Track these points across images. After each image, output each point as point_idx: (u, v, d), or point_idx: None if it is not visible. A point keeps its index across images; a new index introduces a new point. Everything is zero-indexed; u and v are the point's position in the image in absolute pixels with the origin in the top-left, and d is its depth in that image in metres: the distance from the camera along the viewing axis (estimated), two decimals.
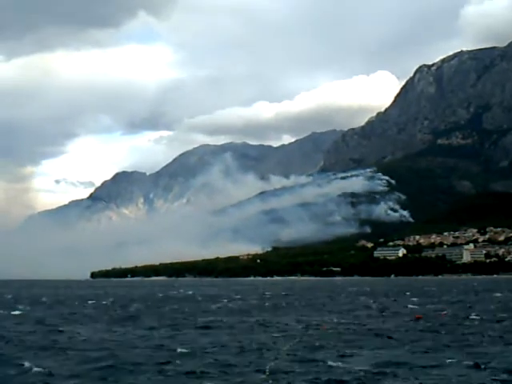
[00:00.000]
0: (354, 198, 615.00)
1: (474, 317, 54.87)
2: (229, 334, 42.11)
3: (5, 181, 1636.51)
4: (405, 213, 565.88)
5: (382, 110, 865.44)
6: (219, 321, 53.63)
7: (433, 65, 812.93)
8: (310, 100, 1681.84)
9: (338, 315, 58.23)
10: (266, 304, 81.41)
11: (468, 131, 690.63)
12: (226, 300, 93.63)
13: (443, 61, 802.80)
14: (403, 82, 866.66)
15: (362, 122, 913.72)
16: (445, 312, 60.65)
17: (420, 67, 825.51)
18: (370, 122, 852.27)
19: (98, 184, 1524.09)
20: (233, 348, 34.74)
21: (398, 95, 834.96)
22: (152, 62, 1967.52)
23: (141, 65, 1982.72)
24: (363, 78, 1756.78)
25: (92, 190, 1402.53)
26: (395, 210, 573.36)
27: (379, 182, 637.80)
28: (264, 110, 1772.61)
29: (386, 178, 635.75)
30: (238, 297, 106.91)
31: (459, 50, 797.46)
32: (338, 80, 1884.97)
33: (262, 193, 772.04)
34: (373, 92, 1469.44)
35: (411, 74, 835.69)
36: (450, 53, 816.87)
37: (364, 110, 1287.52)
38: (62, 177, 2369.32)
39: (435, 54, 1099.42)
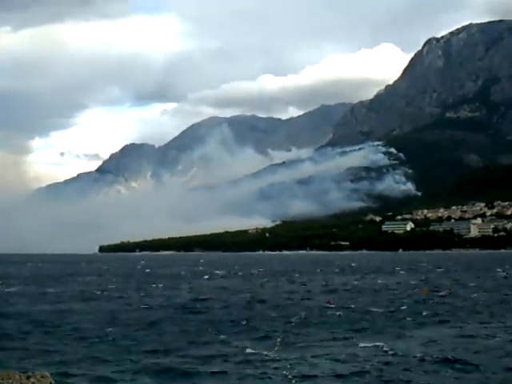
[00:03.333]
0: (361, 172, 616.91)
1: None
2: None
3: (12, 153, 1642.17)
4: (412, 186, 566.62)
5: (389, 82, 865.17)
6: None
7: (441, 38, 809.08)
8: (315, 73, 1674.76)
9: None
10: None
11: (476, 104, 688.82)
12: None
13: (452, 34, 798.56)
14: (408, 55, 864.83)
15: (369, 94, 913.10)
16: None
17: (429, 40, 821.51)
18: (378, 95, 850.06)
19: (104, 156, 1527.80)
20: None
21: (407, 68, 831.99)
22: (160, 34, 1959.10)
23: (149, 36, 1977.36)
24: (367, 52, 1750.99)
25: (97, 162, 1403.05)
26: (403, 184, 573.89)
27: (387, 155, 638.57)
28: (270, 84, 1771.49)
29: (394, 151, 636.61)
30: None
31: (468, 23, 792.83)
32: (343, 54, 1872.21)
33: (268, 166, 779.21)
34: (378, 65, 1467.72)
35: (417, 47, 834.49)
36: (458, 26, 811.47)
37: (371, 83, 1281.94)
38: (67, 149, 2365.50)
39: (440, 27, 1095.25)
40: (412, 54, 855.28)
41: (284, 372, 24.82)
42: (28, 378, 7.23)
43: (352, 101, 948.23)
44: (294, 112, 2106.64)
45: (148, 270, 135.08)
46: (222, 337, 34.31)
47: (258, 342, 32.05)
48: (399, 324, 39.14)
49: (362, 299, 56.29)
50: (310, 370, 25.81)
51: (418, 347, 30.41)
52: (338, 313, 45.06)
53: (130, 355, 29.19)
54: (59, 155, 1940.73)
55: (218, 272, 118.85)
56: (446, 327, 38.04)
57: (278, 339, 31.25)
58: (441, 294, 61.66)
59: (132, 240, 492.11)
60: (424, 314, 44.59)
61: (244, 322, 40.41)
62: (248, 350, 29.82)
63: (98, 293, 67.90)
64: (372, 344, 30.93)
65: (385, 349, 29.70)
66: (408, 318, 41.73)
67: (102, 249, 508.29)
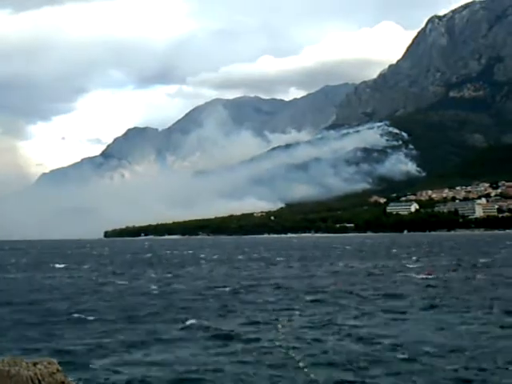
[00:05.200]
0: (365, 153, 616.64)
1: None
2: None
3: (15, 138, 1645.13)
4: (416, 167, 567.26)
5: (391, 60, 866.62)
6: None
7: (444, 16, 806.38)
8: (317, 54, 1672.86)
9: None
10: None
11: (480, 83, 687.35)
12: None
13: (454, 11, 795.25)
14: (409, 32, 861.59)
15: (372, 74, 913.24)
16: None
17: (431, 18, 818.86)
18: (381, 75, 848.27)
19: (106, 141, 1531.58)
20: None
21: (409, 47, 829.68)
22: (162, 14, 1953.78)
23: (151, 17, 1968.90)
24: (368, 30, 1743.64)
25: (99, 146, 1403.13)
26: (407, 165, 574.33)
27: (391, 136, 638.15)
28: (272, 65, 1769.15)
29: (398, 131, 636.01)
30: None
31: (471, 1, 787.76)
32: (343, 33, 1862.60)
33: (270, 149, 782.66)
34: (380, 43, 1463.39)
35: (417, 24, 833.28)
36: (461, 3, 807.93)
37: (373, 63, 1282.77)
38: (69, 134, 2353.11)
39: (440, 4, 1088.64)
40: (413, 32, 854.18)
41: None
42: (35, 364, 7.47)
43: (355, 81, 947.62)
44: (295, 93, 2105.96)
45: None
46: None
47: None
48: None
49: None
50: None
51: None
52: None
53: None
54: (61, 140, 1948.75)
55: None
56: None
57: None
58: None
59: (137, 225, 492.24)
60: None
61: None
62: None
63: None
64: None
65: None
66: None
67: (107, 234, 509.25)
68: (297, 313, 35.45)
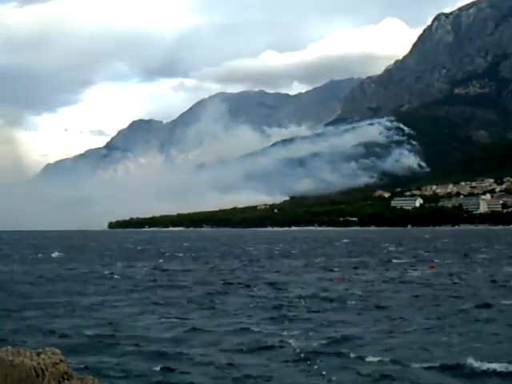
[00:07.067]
0: (370, 148, 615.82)
1: None
2: None
3: (20, 129, 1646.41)
4: (421, 162, 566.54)
5: (396, 57, 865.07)
6: None
7: (451, 13, 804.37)
8: (321, 49, 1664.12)
9: None
10: None
11: (485, 80, 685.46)
12: None
13: (461, 9, 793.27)
14: (415, 29, 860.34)
15: (376, 69, 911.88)
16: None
17: (438, 15, 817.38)
18: (387, 71, 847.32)
19: (108, 133, 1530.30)
20: None
21: (415, 44, 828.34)
22: (167, 8, 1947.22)
23: (156, 10, 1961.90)
24: (373, 27, 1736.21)
25: (103, 138, 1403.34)
26: (412, 160, 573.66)
27: (396, 131, 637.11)
28: (275, 60, 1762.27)
29: (403, 126, 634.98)
30: None
31: None
32: (348, 29, 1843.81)
33: (275, 143, 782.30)
34: (385, 39, 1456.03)
35: (422, 21, 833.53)
36: (468, 1, 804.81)
37: (379, 58, 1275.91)
38: (74, 125, 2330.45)
39: (445, 2, 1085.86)
40: (418, 29, 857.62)
41: None
42: (39, 354, 7.44)
43: (361, 76, 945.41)
44: (299, 87, 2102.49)
45: None
46: None
47: None
48: None
49: None
50: None
51: None
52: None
53: None
54: (66, 131, 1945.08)
55: None
56: None
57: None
58: None
59: (141, 216, 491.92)
60: None
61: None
62: None
63: None
64: None
65: None
66: None
67: (111, 225, 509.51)
68: None
